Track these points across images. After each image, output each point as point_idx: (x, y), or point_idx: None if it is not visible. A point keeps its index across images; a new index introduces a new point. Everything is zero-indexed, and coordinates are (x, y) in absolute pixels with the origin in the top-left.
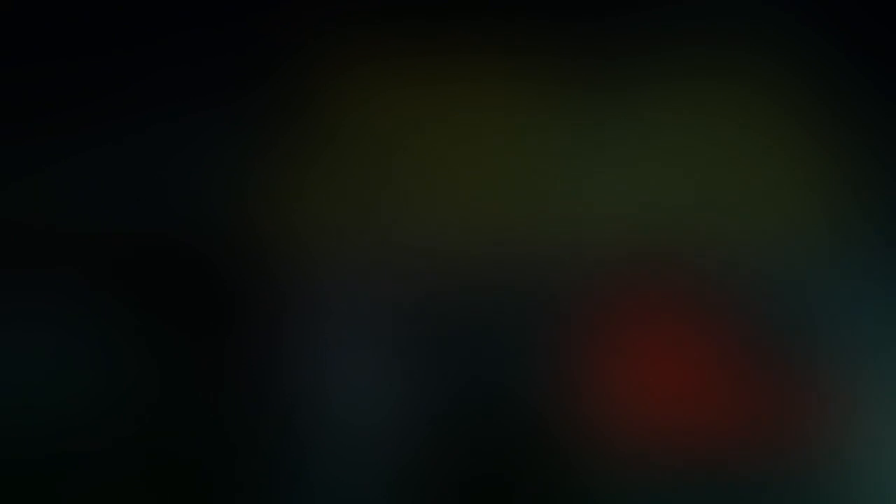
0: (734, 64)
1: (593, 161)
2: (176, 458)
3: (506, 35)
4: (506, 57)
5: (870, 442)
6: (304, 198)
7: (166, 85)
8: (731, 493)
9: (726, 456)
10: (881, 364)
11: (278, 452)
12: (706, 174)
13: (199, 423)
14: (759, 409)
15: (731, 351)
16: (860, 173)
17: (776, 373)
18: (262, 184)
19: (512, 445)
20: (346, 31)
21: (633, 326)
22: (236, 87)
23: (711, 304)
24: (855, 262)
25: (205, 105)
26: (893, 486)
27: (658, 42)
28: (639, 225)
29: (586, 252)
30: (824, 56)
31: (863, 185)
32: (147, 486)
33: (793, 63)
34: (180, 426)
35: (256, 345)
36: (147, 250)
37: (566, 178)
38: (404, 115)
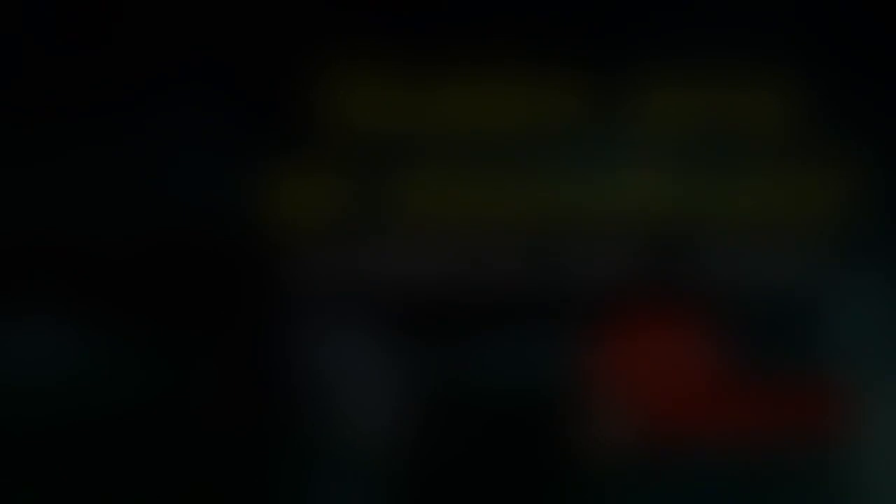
0: (741, 69)
1: (598, 162)
2: (176, 454)
3: (510, 40)
4: (511, 61)
5: (873, 441)
6: (307, 198)
7: (165, 85)
8: (736, 489)
9: (730, 453)
10: (885, 364)
11: (279, 450)
12: (712, 176)
13: (199, 421)
14: (763, 406)
15: (737, 349)
16: (865, 175)
17: (783, 372)
18: (263, 184)
19: (516, 444)
20: (351, 37)
21: (636, 327)
22: (237, 88)
23: (717, 304)
24: (858, 262)
25: (205, 105)
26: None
27: (667, 48)
28: (644, 228)
29: (590, 252)
30: (828, 61)
31: (867, 186)
32: (150, 483)
33: (797, 68)
34: (181, 424)
35: (258, 342)
36: (146, 249)
37: (569, 179)
38: (408, 116)
